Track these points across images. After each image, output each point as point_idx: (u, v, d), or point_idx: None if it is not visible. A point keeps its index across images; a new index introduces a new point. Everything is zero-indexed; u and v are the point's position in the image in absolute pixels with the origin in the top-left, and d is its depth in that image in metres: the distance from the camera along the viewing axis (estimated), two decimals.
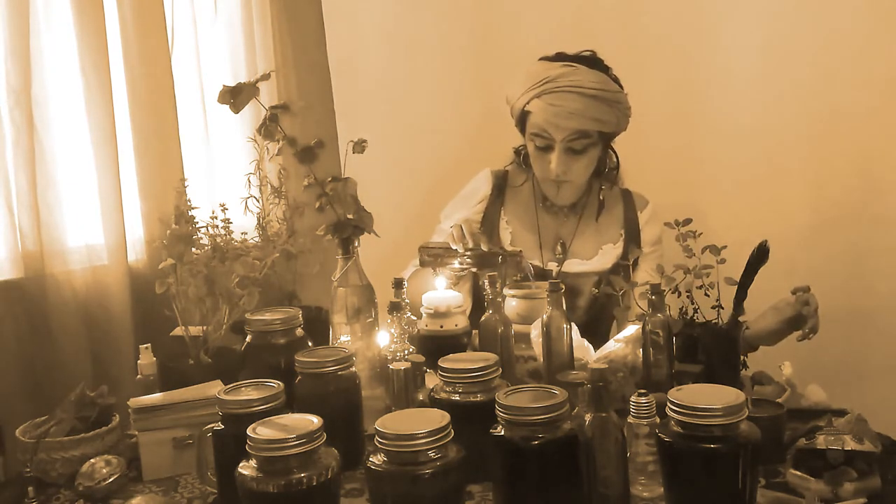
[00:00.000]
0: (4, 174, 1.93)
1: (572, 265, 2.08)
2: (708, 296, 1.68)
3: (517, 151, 2.17)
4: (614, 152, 2.12)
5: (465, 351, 1.73)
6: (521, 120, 2.04)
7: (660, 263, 1.83)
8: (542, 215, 2.13)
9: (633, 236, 2.09)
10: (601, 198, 2.10)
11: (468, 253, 1.83)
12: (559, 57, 2.00)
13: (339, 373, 1.49)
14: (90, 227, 2.06)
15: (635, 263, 2.07)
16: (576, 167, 2.00)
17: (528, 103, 1.97)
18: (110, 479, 1.47)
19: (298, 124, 2.05)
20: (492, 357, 1.45)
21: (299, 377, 1.50)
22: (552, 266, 2.08)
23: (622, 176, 2.18)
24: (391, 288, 1.77)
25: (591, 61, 2.00)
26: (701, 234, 1.70)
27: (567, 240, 2.10)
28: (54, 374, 1.93)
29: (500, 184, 2.16)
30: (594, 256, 2.09)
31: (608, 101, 1.94)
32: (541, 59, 2.02)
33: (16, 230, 1.95)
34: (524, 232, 2.11)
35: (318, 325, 1.83)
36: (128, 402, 1.58)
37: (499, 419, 1.23)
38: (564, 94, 1.92)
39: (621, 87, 2.01)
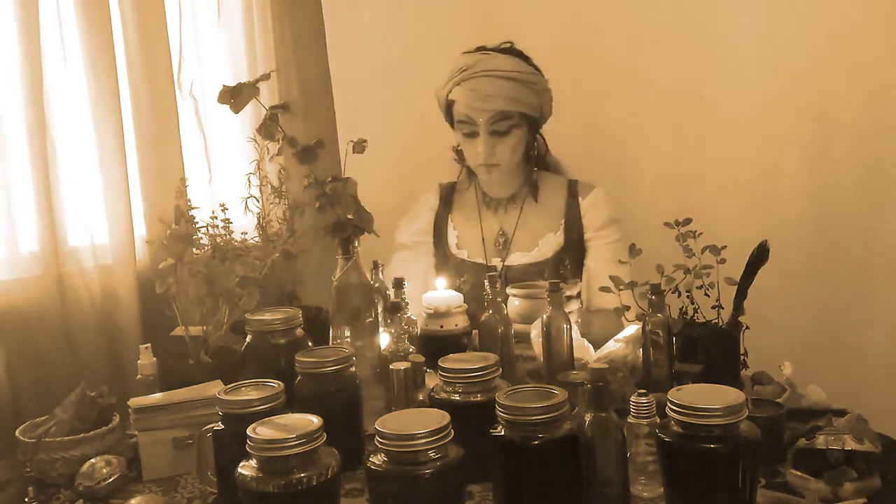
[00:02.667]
0: (18, 173, 1.94)
1: (515, 258, 2.13)
2: (708, 296, 1.68)
3: (455, 150, 2.23)
4: (542, 138, 2.19)
5: (465, 351, 1.73)
6: (448, 111, 2.13)
7: (659, 263, 1.81)
8: (484, 213, 2.20)
9: (573, 224, 2.13)
10: (534, 178, 2.17)
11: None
12: (479, 49, 2.11)
13: (339, 373, 1.49)
14: (98, 227, 2.07)
15: (584, 250, 2.12)
16: (501, 149, 2.07)
17: (450, 93, 2.08)
18: (110, 479, 1.47)
19: (298, 124, 2.06)
20: (492, 357, 1.45)
21: (299, 377, 1.50)
22: (496, 261, 2.12)
23: (565, 167, 2.24)
24: (391, 288, 1.77)
25: (509, 51, 2.10)
26: (701, 234, 1.70)
27: (509, 233, 2.14)
28: (67, 373, 1.93)
29: (447, 193, 2.26)
30: (534, 248, 2.12)
31: (524, 82, 2.04)
32: (463, 52, 2.12)
33: (24, 228, 1.96)
34: (469, 230, 2.19)
35: (318, 325, 1.83)
36: (127, 402, 1.59)
37: (499, 419, 1.22)
38: (481, 79, 2.03)
39: (540, 72, 2.10)
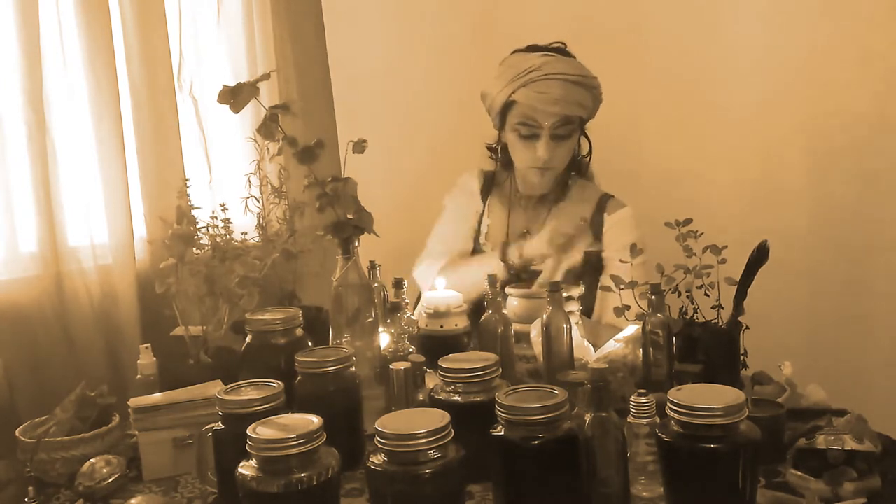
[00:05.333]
0: (18, 173, 1.94)
1: (535, 254, 2.07)
2: (708, 296, 1.68)
3: (492, 148, 2.20)
4: (587, 139, 2.17)
5: (465, 351, 1.73)
6: (503, 111, 2.08)
7: (659, 263, 1.81)
8: (514, 208, 2.18)
9: (595, 236, 2.08)
10: (569, 182, 2.15)
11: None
12: (532, 49, 2.07)
13: (339, 373, 1.49)
14: (98, 227, 2.06)
15: (601, 262, 2.06)
16: (559, 153, 2.06)
17: (513, 93, 2.02)
18: (110, 479, 1.47)
19: (298, 124, 2.06)
20: (492, 357, 1.45)
21: (299, 377, 1.50)
22: (513, 257, 2.08)
23: (595, 174, 2.22)
24: (391, 288, 1.77)
25: (563, 52, 2.08)
26: (701, 234, 1.70)
27: (534, 231, 2.12)
28: (67, 373, 1.93)
29: (488, 182, 2.22)
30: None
31: (587, 86, 2.02)
32: (514, 52, 2.09)
33: (23, 228, 1.96)
34: (498, 225, 2.16)
35: (318, 325, 1.83)
36: (128, 402, 1.59)
37: (499, 419, 1.23)
38: (549, 82, 1.98)
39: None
